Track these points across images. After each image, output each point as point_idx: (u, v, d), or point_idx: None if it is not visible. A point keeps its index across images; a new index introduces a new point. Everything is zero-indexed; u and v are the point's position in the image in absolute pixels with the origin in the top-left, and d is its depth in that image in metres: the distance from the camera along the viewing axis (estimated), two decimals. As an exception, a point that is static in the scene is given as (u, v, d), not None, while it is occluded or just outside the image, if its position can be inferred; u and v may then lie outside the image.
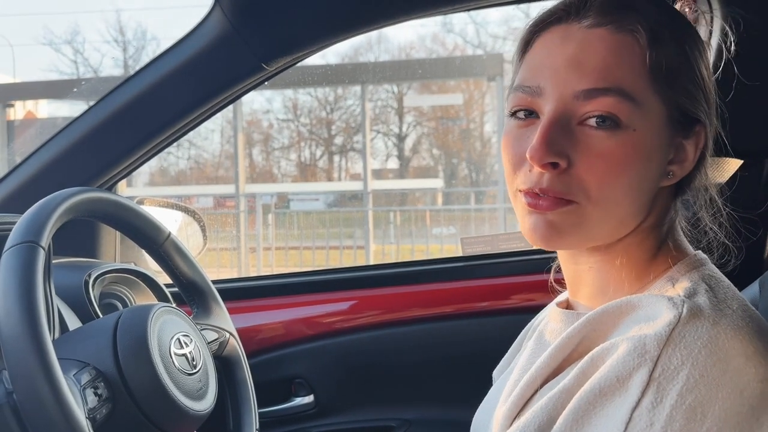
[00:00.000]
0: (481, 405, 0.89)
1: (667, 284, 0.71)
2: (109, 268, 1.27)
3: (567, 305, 0.82)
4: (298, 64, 1.40)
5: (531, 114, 0.72)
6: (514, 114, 0.73)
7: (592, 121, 0.68)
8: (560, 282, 0.86)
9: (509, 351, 0.93)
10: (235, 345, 1.15)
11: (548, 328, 0.80)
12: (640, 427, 0.61)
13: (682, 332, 0.63)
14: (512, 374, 0.81)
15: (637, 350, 0.63)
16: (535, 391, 0.72)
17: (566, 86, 0.69)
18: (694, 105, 0.72)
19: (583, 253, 0.76)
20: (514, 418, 0.72)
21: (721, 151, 0.78)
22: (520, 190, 0.72)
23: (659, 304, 0.66)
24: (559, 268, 0.82)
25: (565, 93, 0.69)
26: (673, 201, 0.76)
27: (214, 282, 1.18)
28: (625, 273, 0.74)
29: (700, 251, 0.77)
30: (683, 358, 0.62)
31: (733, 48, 0.88)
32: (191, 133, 1.70)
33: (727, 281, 0.73)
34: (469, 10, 1.40)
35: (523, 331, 0.93)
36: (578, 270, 0.77)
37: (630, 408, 0.62)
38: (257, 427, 1.13)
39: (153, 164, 11.86)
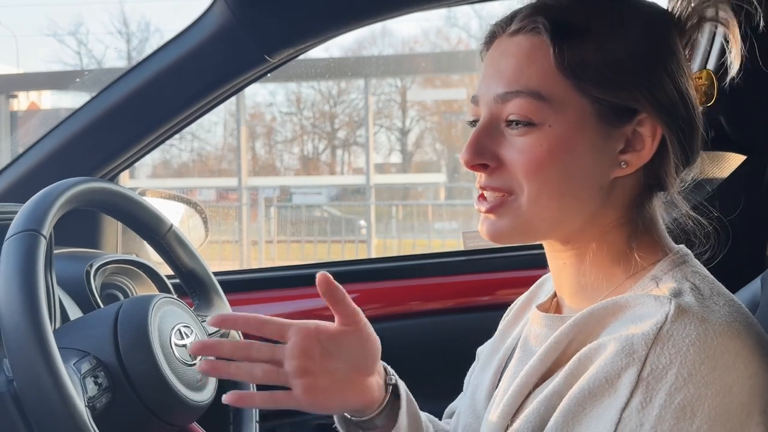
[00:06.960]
0: (463, 410, 0.90)
1: (650, 283, 0.71)
2: (111, 259, 1.27)
3: (548, 307, 0.83)
4: (301, 57, 1.40)
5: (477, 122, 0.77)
6: (473, 124, 0.78)
7: (511, 122, 0.73)
8: None
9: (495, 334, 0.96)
10: (236, 337, 1.15)
11: (532, 333, 0.80)
12: (630, 428, 0.61)
13: (670, 331, 0.63)
14: (502, 383, 0.81)
15: (625, 350, 0.63)
16: (526, 397, 0.72)
17: (489, 92, 0.74)
18: (622, 93, 0.70)
19: (556, 248, 0.77)
20: (507, 426, 0.72)
21: (722, 145, 0.77)
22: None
23: (646, 303, 0.66)
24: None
25: (489, 99, 0.74)
26: (646, 196, 0.74)
27: (216, 274, 1.18)
28: (598, 269, 0.74)
29: (683, 246, 0.76)
30: (671, 357, 0.62)
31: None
32: (194, 126, 1.70)
33: (711, 277, 0.72)
34: (473, 3, 1.40)
35: (504, 314, 0.97)
36: (558, 266, 0.79)
37: (619, 408, 0.62)
38: (257, 419, 1.13)
39: (156, 156, 11.84)
